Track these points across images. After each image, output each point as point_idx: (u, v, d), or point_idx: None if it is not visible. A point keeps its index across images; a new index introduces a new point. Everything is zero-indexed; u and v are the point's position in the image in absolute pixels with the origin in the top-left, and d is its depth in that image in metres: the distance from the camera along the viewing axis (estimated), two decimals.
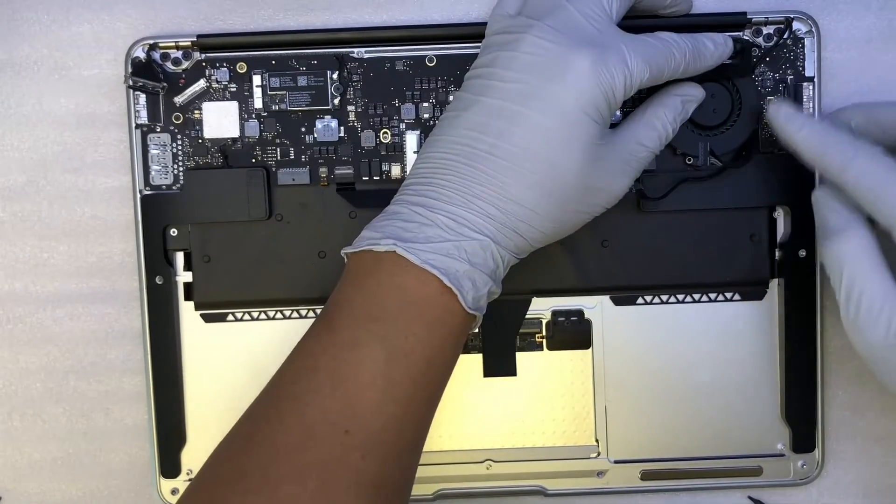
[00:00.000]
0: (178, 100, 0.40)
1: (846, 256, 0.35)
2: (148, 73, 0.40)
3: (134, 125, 0.40)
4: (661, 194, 0.40)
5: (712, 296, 0.41)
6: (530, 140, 0.33)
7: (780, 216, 0.41)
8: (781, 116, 0.37)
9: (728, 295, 0.41)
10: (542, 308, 0.42)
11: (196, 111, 0.40)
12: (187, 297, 0.41)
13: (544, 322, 0.42)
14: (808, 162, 0.36)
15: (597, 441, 0.42)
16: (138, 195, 0.41)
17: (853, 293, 0.34)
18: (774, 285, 0.41)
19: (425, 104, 0.40)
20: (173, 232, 0.41)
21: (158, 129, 0.41)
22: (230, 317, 0.41)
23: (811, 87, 0.40)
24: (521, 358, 0.42)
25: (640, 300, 0.41)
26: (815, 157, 0.36)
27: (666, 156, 0.40)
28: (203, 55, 0.40)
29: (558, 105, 0.33)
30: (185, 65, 0.40)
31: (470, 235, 0.33)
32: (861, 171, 0.34)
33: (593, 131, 0.33)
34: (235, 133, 0.41)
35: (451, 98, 0.40)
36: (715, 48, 0.36)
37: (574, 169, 0.33)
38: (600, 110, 0.33)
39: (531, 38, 0.33)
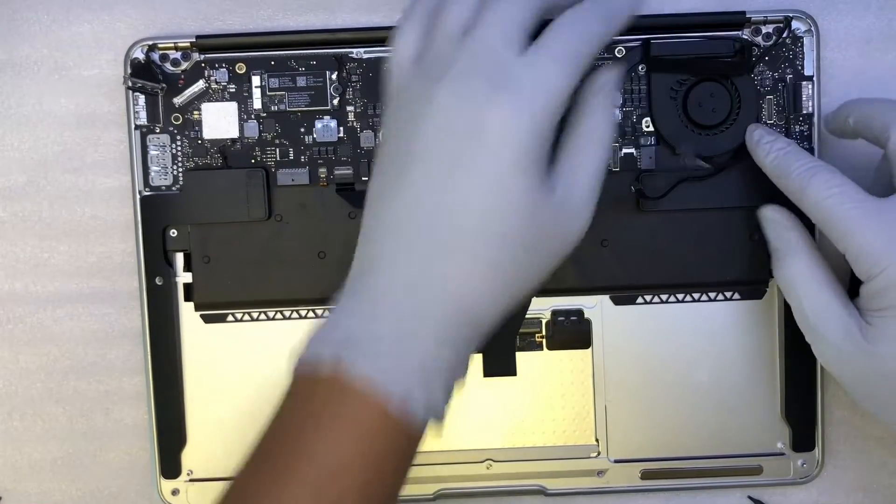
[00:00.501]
0: (178, 100, 0.40)
1: (796, 278, 0.37)
2: (147, 73, 0.40)
3: (133, 126, 0.40)
4: (661, 194, 0.40)
5: (712, 295, 0.41)
6: (467, 214, 0.30)
7: None
8: (753, 140, 0.38)
9: (728, 294, 0.41)
10: (541, 308, 0.41)
11: (195, 112, 0.40)
12: (187, 298, 0.41)
13: (544, 322, 0.42)
14: (776, 185, 0.37)
15: (597, 440, 0.42)
16: (138, 196, 0.41)
17: (801, 310, 0.37)
18: (774, 284, 0.41)
19: None
20: (173, 233, 0.41)
21: (158, 130, 0.41)
22: (230, 317, 0.41)
23: (810, 87, 0.40)
24: (521, 358, 0.42)
25: (639, 300, 0.41)
26: (778, 182, 0.37)
27: (665, 155, 0.40)
28: (202, 56, 0.40)
29: (488, 167, 0.30)
30: (184, 65, 0.40)
31: (418, 333, 0.29)
32: (815, 199, 0.35)
33: (532, 180, 0.30)
34: (235, 134, 0.41)
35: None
36: None
37: (523, 225, 0.30)
38: (533, 152, 0.30)
39: (440, 102, 0.30)
